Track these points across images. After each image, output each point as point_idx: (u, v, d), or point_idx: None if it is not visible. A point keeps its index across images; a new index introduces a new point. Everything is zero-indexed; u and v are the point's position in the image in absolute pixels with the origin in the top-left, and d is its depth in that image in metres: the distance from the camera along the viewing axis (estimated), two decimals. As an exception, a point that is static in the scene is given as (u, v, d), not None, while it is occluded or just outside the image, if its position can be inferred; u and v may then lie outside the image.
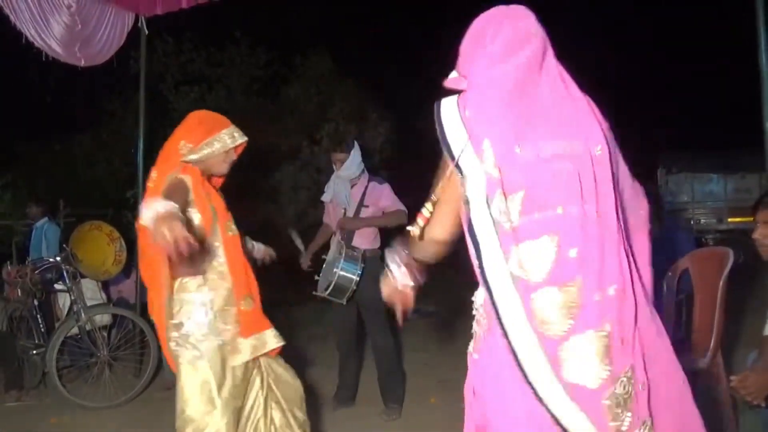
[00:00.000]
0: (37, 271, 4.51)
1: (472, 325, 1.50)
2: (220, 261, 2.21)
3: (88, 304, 4.50)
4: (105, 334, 4.56)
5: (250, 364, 2.28)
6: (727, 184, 11.30)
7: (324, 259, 3.83)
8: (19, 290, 4.51)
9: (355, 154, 3.76)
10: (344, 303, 3.61)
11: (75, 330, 4.35)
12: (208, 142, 2.25)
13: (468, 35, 1.45)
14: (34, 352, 4.44)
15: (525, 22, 1.40)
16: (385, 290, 1.59)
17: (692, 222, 11.33)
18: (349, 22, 12.25)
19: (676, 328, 3.16)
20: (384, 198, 3.77)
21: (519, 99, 1.35)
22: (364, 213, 3.77)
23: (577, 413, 1.29)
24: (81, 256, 4.48)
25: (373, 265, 3.71)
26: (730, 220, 11.13)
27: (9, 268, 4.59)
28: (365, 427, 3.56)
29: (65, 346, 4.39)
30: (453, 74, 1.50)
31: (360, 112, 9.99)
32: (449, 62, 1.53)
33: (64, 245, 4.62)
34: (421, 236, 1.46)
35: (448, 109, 1.39)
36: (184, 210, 2.03)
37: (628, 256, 1.36)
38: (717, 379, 2.86)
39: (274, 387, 2.34)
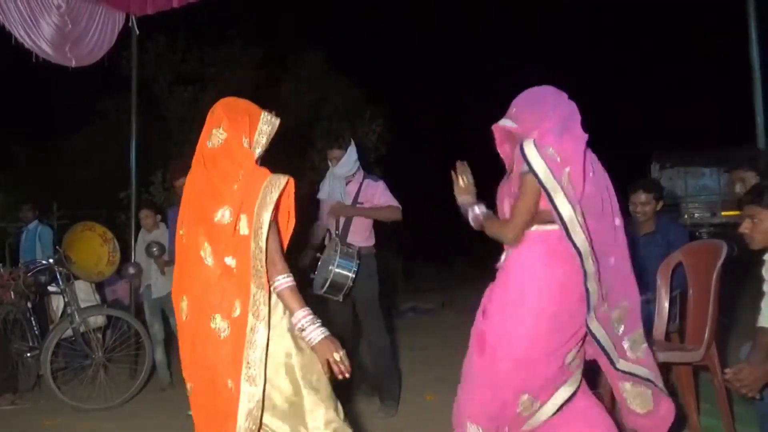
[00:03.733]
0: (30, 273, 4.48)
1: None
2: None
3: (82, 305, 4.47)
4: (99, 335, 4.54)
5: None
6: (721, 179, 11.35)
7: (319, 257, 3.82)
8: (12, 293, 4.47)
9: (351, 151, 3.75)
10: (341, 300, 3.60)
11: (69, 332, 4.32)
12: (260, 131, 1.92)
13: (529, 100, 2.14)
14: (29, 354, 4.42)
15: (567, 98, 2.13)
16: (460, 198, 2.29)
17: (686, 216, 11.38)
18: (342, 21, 12.24)
19: (669, 320, 3.17)
20: (379, 195, 3.76)
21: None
22: (359, 210, 3.76)
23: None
24: (74, 257, 4.43)
25: (369, 263, 3.71)
26: (723, 213, 11.17)
27: (2, 270, 4.56)
28: (361, 424, 3.55)
29: (59, 348, 4.36)
30: (508, 121, 2.14)
31: (354, 111, 9.97)
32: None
33: (57, 247, 4.59)
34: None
35: (529, 147, 2.00)
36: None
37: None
38: (712, 372, 2.87)
39: None
